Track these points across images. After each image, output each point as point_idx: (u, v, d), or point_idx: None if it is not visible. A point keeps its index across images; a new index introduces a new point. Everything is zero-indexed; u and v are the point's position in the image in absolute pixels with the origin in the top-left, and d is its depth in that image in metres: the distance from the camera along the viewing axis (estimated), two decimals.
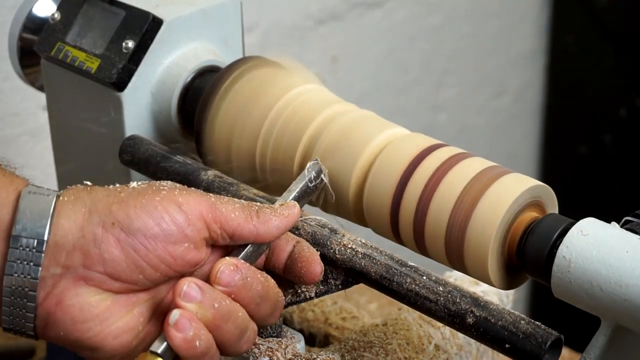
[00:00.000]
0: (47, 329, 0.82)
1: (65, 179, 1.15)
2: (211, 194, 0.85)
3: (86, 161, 1.11)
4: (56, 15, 1.09)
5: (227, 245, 0.85)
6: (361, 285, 0.91)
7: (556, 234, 0.84)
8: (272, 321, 0.86)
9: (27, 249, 0.80)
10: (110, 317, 0.82)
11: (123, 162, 1.04)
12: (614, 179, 2.27)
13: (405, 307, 0.99)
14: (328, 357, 0.91)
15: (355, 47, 1.98)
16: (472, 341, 1.02)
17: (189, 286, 0.81)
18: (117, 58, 1.04)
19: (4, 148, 1.53)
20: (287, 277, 0.88)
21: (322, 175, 0.93)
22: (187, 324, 0.80)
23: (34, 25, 1.14)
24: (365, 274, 0.89)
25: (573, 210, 0.93)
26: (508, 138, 2.34)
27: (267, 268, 0.89)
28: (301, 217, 0.91)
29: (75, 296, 0.81)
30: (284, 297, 0.87)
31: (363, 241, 0.91)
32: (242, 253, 0.85)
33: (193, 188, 0.85)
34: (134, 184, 0.84)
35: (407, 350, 0.98)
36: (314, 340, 1.11)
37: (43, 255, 0.80)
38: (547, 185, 0.89)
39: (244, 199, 0.92)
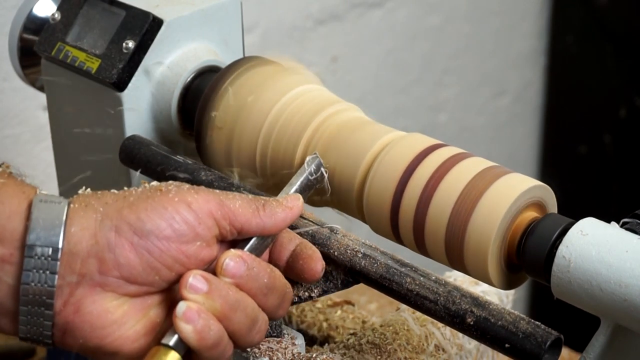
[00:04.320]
0: (65, 337, 0.82)
1: (65, 180, 1.15)
2: (217, 190, 0.85)
3: (86, 161, 1.11)
4: (56, 16, 1.09)
5: (233, 240, 0.86)
6: (361, 285, 0.91)
7: (556, 234, 0.84)
8: (282, 313, 0.86)
9: (43, 258, 0.80)
10: (128, 321, 0.82)
11: (123, 162, 1.04)
12: (614, 179, 2.27)
13: (405, 307, 0.99)
14: (328, 357, 0.91)
15: (355, 47, 1.98)
16: (473, 341, 1.02)
17: (195, 278, 0.81)
18: (117, 58, 1.04)
19: (4, 148, 1.53)
20: (289, 275, 0.88)
21: (322, 169, 0.93)
22: (195, 315, 0.80)
23: (34, 25, 1.14)
24: (365, 274, 0.89)
25: (573, 210, 0.93)
26: (508, 138, 2.34)
27: (270, 264, 0.89)
28: (302, 214, 0.91)
29: (92, 303, 0.81)
30: (291, 290, 0.87)
31: (363, 241, 0.91)
32: (248, 245, 0.85)
33: (200, 186, 0.86)
34: (141, 187, 0.85)
35: (407, 351, 0.98)
36: (314, 340, 1.11)
37: (58, 263, 0.80)
38: (547, 185, 0.89)
39: None
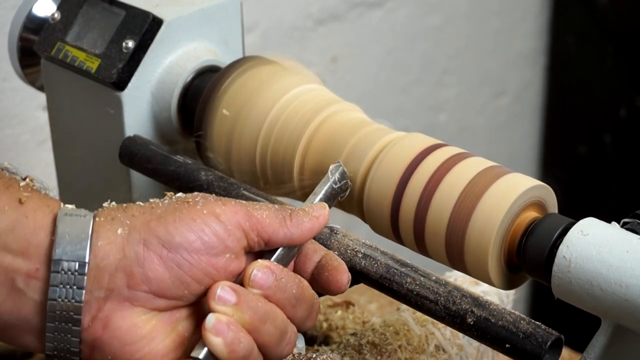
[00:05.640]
0: (94, 354, 0.81)
1: (65, 179, 1.15)
2: (243, 201, 0.84)
3: (86, 161, 1.11)
4: (56, 15, 1.09)
5: (260, 251, 0.85)
6: (361, 285, 0.91)
7: (556, 234, 0.84)
8: (310, 324, 0.85)
9: (70, 273, 0.78)
10: (158, 336, 0.81)
11: (123, 162, 1.04)
12: (614, 179, 2.27)
13: (405, 307, 0.99)
14: (328, 357, 0.91)
15: (355, 47, 1.98)
16: (473, 341, 1.02)
17: (223, 289, 0.80)
18: (117, 58, 1.04)
19: (4, 148, 1.53)
20: (313, 287, 0.87)
21: (347, 178, 0.92)
22: (225, 327, 0.79)
23: (34, 25, 1.14)
24: (366, 274, 0.89)
25: (573, 210, 0.93)
26: (508, 138, 2.34)
27: None
28: None
29: (122, 319, 0.80)
30: (319, 300, 0.86)
31: (363, 241, 0.91)
32: (274, 256, 0.84)
33: (227, 198, 0.85)
34: (166, 199, 0.84)
35: (407, 351, 0.98)
36: (314, 340, 1.11)
37: (86, 277, 0.79)
38: (547, 185, 0.89)
39: (245, 200, 0.92)
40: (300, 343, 0.91)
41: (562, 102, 2.34)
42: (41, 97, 1.26)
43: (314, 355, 0.91)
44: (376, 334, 0.99)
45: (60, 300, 0.78)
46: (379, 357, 0.96)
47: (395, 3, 2.01)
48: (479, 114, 2.27)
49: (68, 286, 0.78)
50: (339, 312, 1.14)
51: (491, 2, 2.18)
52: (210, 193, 0.89)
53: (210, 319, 0.79)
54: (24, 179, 0.83)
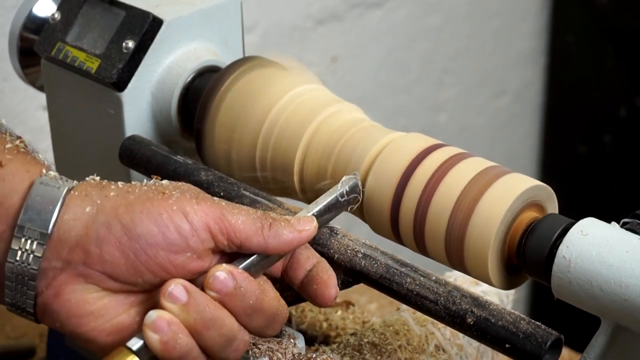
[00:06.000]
0: (44, 317, 0.84)
1: None
2: (224, 202, 0.84)
3: (86, 161, 1.11)
4: (56, 15, 1.09)
5: (234, 253, 0.84)
6: (361, 285, 0.91)
7: (556, 234, 0.84)
8: (270, 333, 0.85)
9: (30, 240, 0.81)
10: (106, 314, 0.82)
11: (123, 162, 1.04)
12: (614, 179, 2.27)
13: (405, 307, 0.99)
14: (328, 357, 0.91)
15: (355, 47, 1.98)
16: (473, 341, 1.02)
17: (176, 287, 0.80)
18: (117, 58, 1.04)
19: None
20: (302, 294, 0.87)
21: (358, 191, 0.90)
22: (165, 325, 0.79)
23: (34, 25, 1.14)
24: (365, 274, 0.89)
25: (573, 210, 0.93)
26: (508, 138, 2.34)
27: (285, 279, 0.88)
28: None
29: (72, 292, 0.82)
30: (286, 311, 0.85)
31: (363, 241, 0.91)
32: (247, 262, 0.83)
33: (206, 195, 0.85)
34: (145, 185, 0.84)
35: (407, 351, 0.98)
36: (314, 340, 1.11)
37: (44, 247, 0.81)
38: (547, 185, 0.89)
39: (245, 199, 0.92)
40: (301, 343, 0.91)
41: (562, 102, 2.34)
42: (41, 97, 1.26)
43: (314, 355, 0.91)
44: (376, 334, 0.99)
45: (17, 263, 0.81)
46: (379, 357, 0.96)
47: (395, 3, 2.01)
48: (479, 114, 2.27)
49: (27, 253, 0.81)
50: (339, 312, 1.14)
51: (491, 2, 2.18)
52: (211, 193, 0.89)
53: (152, 315, 0.80)
54: (18, 139, 0.85)
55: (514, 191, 0.86)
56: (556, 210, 0.90)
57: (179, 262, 0.82)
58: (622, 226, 0.84)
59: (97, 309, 0.82)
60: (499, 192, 0.87)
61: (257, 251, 0.83)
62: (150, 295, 0.83)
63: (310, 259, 0.87)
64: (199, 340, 0.81)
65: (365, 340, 0.98)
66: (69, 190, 0.82)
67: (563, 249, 0.82)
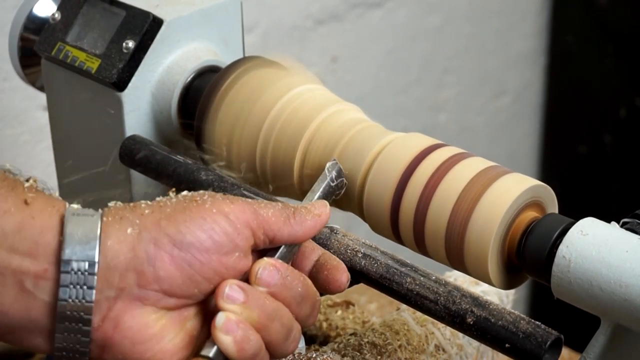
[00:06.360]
0: (104, 353, 0.81)
1: (65, 179, 1.15)
2: (250, 200, 0.84)
3: (86, 161, 1.11)
4: (56, 15, 1.09)
5: (263, 249, 0.85)
6: (361, 285, 0.91)
7: (556, 234, 0.84)
8: (312, 321, 0.85)
9: (79, 273, 0.78)
10: (167, 334, 0.81)
11: (123, 162, 1.04)
12: (614, 179, 2.27)
13: (405, 307, 0.99)
14: (328, 357, 0.91)
15: (355, 47, 1.98)
16: (473, 341, 1.02)
17: (231, 288, 0.80)
18: (117, 58, 1.04)
19: (4, 148, 1.53)
20: (313, 284, 0.87)
21: (344, 175, 0.92)
22: (234, 325, 0.79)
23: (34, 25, 1.14)
24: (365, 273, 0.89)
25: (573, 210, 0.93)
26: (508, 138, 2.34)
27: None
28: None
29: (132, 318, 0.80)
30: (320, 298, 0.86)
31: (363, 241, 0.91)
32: (277, 253, 0.84)
33: (233, 196, 0.84)
34: (172, 196, 0.83)
35: (407, 351, 0.98)
36: (314, 340, 1.11)
37: (96, 277, 0.78)
38: (547, 185, 0.89)
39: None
40: (301, 343, 0.91)
41: (562, 102, 2.34)
42: (41, 97, 1.26)
43: (314, 355, 0.91)
44: (376, 334, 0.99)
45: (70, 300, 0.78)
46: (379, 357, 0.96)
47: (395, 3, 2.01)
48: (479, 114, 2.27)
49: (78, 286, 0.78)
50: (339, 312, 1.14)
51: (491, 2, 2.18)
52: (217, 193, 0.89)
53: (221, 318, 0.79)
54: (27, 180, 0.82)
55: (514, 191, 0.86)
56: (556, 210, 0.90)
57: (231, 264, 0.81)
58: (622, 226, 0.84)
59: (159, 330, 0.81)
60: (499, 192, 0.87)
61: (288, 241, 0.84)
62: (201, 307, 0.83)
63: (315, 251, 0.87)
64: (264, 336, 0.81)
65: (365, 340, 0.98)
66: (101, 217, 0.80)
67: (563, 249, 0.82)
